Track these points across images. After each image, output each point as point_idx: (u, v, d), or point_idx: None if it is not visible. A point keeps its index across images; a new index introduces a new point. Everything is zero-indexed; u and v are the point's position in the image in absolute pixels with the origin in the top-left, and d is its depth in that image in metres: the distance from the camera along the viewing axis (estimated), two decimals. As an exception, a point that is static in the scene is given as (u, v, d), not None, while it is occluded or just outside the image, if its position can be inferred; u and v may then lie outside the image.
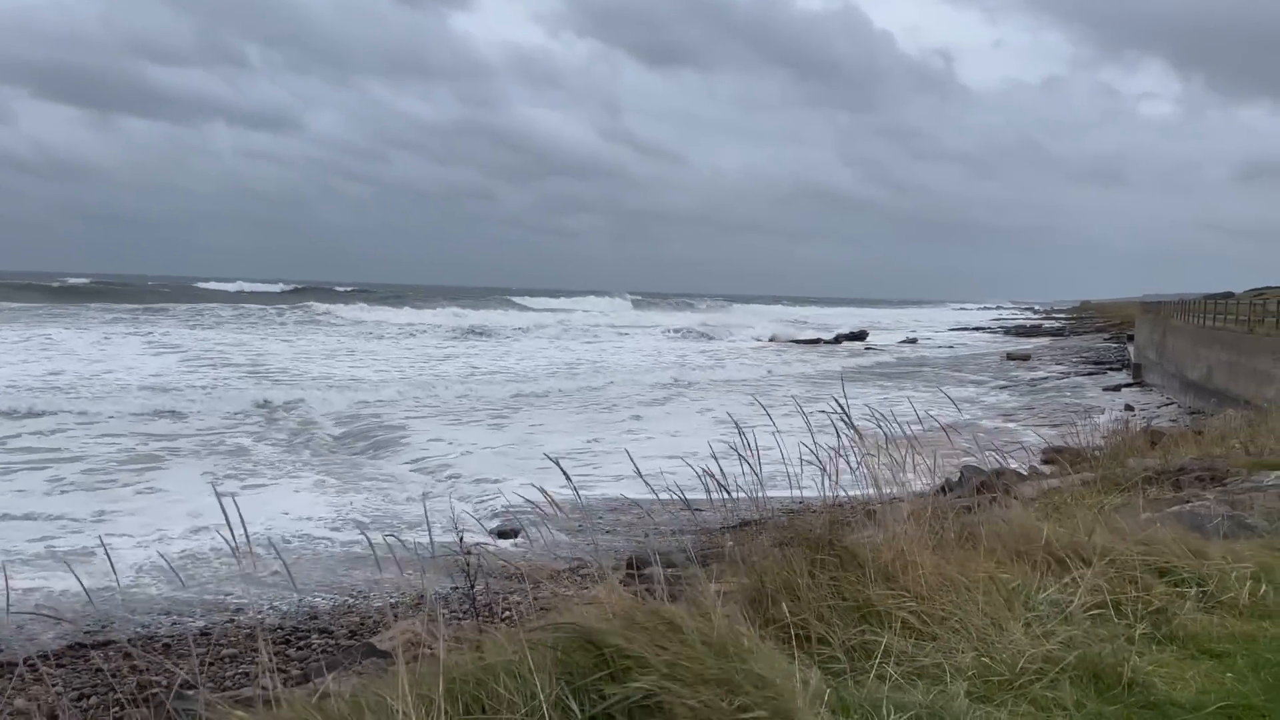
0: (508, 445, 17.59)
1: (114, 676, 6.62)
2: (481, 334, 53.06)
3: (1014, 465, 12.29)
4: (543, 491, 4.37)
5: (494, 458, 16.29)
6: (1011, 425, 21.48)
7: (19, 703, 6.22)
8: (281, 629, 7.96)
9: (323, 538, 11.10)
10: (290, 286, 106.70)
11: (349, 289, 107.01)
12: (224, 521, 3.17)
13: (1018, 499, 7.66)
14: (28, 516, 11.77)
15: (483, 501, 12.77)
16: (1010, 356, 46.99)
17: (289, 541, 10.86)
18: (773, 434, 4.79)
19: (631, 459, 4.38)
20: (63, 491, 13.25)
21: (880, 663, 3.44)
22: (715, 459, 4.47)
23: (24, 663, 6.95)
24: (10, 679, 6.48)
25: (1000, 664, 3.59)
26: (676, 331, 62.05)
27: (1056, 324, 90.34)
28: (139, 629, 7.99)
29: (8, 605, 4.23)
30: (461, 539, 5.80)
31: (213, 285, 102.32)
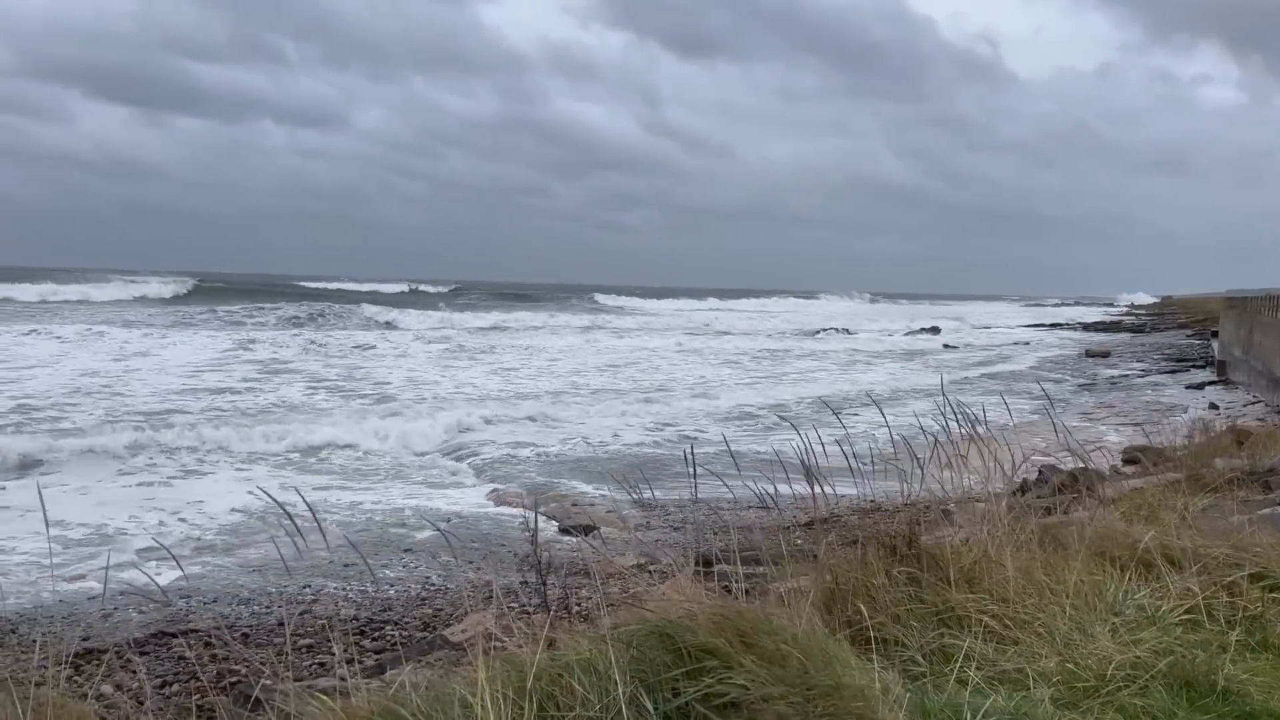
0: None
1: (196, 664, 6.78)
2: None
3: (1095, 465, 11.94)
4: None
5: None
6: (1091, 424, 20.95)
7: (105, 688, 6.42)
8: (357, 619, 8.09)
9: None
10: (451, 286, 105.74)
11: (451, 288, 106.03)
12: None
13: (1099, 500, 7.45)
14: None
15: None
16: (1089, 353, 45.85)
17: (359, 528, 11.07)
18: (844, 432, 4.71)
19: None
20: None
21: (961, 667, 3.35)
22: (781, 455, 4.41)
23: (111, 649, 7.18)
24: (98, 665, 6.69)
25: (1086, 670, 3.48)
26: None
27: (1136, 320, 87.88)
28: (219, 618, 8.18)
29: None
30: (535, 535, 5.83)
31: (386, 286, 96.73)
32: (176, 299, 66.72)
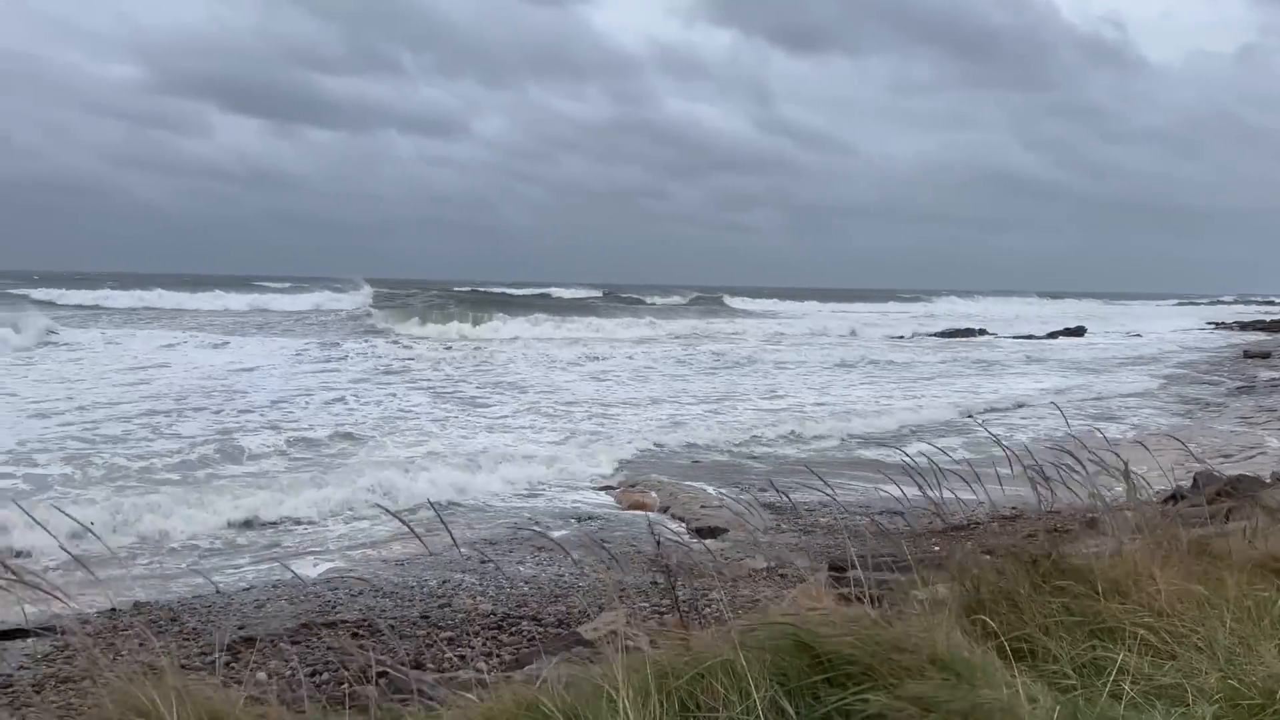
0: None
1: (345, 654, 7.07)
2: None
3: (1253, 472, 11.29)
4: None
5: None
6: (1250, 429, 19.78)
7: (260, 675, 6.77)
8: (494, 614, 8.31)
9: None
10: (596, 290, 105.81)
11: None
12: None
13: (1260, 508, 7.05)
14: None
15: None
16: (1247, 354, 43.27)
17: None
18: (982, 437, 4.59)
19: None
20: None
21: (1114, 681, 3.22)
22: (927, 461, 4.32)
23: (263, 639, 7.57)
24: (253, 654, 7.06)
25: (1251, 687, 3.29)
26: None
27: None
28: (365, 609, 8.51)
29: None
30: (659, 541, 5.86)
31: (530, 291, 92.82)
32: (366, 308, 66.78)
